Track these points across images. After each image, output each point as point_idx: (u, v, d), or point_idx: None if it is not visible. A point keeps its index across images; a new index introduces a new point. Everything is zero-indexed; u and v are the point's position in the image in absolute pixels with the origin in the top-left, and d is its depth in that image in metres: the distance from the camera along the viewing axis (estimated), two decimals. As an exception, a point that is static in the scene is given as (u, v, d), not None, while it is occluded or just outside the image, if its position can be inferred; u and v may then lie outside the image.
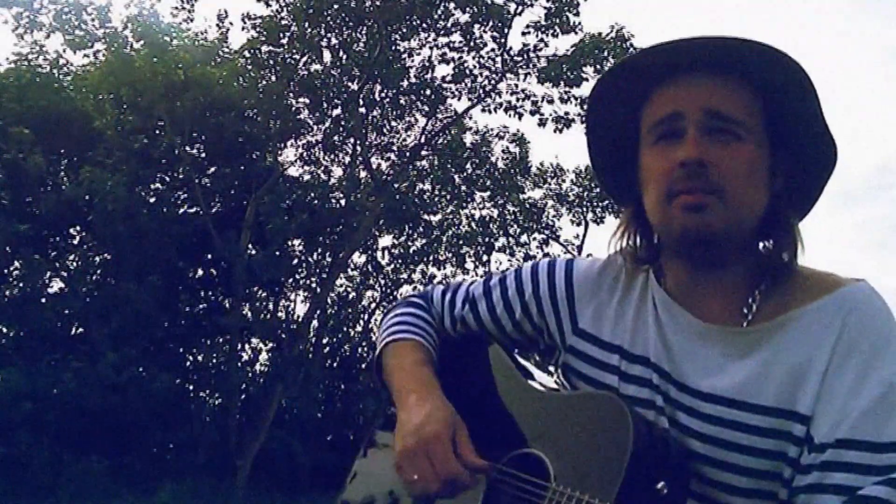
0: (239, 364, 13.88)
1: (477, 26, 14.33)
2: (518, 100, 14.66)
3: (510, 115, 14.70)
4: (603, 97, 1.04)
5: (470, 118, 16.17)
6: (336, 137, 15.25)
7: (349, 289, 17.10)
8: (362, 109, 14.67)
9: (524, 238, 18.06)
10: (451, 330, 1.26)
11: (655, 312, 1.04)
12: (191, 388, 14.24)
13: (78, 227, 13.37)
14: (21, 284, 12.40)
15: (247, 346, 15.07)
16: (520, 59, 14.44)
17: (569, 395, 1.09)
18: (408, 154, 15.40)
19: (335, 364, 16.14)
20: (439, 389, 1.11)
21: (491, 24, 14.20)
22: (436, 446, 1.02)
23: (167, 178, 13.92)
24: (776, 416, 0.91)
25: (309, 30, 13.92)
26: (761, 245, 1.01)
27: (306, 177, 15.43)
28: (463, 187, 16.64)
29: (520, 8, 14.01)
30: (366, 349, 16.74)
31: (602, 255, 1.15)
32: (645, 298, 1.06)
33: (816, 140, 0.99)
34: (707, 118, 0.94)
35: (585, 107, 1.08)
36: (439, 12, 14.12)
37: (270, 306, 15.39)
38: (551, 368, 1.17)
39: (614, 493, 0.88)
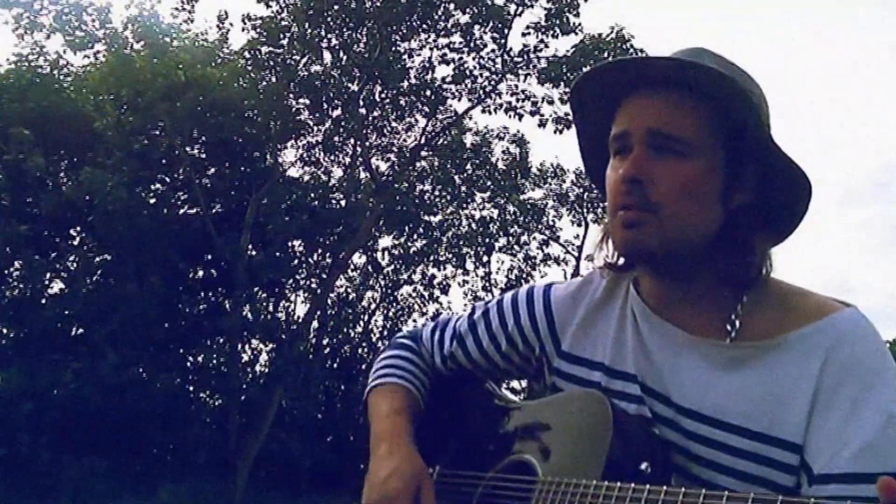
0: (239, 365, 13.88)
1: (477, 27, 14.32)
2: (518, 100, 14.65)
3: (510, 116, 14.70)
4: (585, 101, 1.06)
5: (470, 119, 16.19)
6: (336, 138, 15.25)
7: (349, 289, 17.10)
8: (362, 110, 14.67)
9: (524, 238, 18.08)
10: (442, 368, 1.27)
11: (635, 324, 1.05)
12: (191, 388, 14.23)
13: (78, 228, 13.35)
14: (21, 285, 12.39)
15: (247, 347, 15.08)
16: (520, 59, 14.44)
17: (550, 399, 1.11)
18: (408, 155, 15.40)
19: (335, 364, 16.14)
20: (410, 440, 1.13)
21: (491, 24, 14.20)
22: (397, 503, 1.04)
23: (167, 179, 13.92)
24: (758, 440, 0.91)
25: (309, 30, 13.92)
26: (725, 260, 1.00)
27: (306, 177, 15.45)
28: (463, 188, 16.63)
29: (520, 9, 14.01)
30: (366, 349, 16.74)
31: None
32: (625, 310, 1.07)
33: (780, 160, 0.97)
34: (649, 137, 0.97)
35: (570, 105, 1.09)
36: (439, 13, 14.12)
37: (271, 307, 15.40)
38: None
39: (599, 475, 0.90)
